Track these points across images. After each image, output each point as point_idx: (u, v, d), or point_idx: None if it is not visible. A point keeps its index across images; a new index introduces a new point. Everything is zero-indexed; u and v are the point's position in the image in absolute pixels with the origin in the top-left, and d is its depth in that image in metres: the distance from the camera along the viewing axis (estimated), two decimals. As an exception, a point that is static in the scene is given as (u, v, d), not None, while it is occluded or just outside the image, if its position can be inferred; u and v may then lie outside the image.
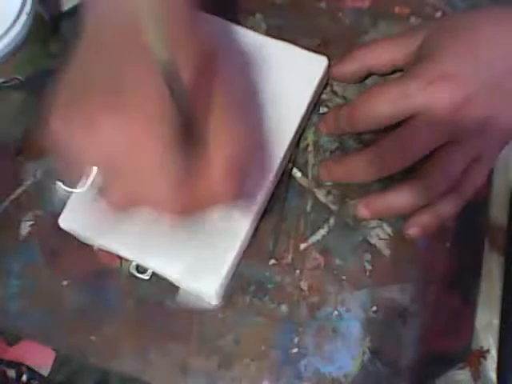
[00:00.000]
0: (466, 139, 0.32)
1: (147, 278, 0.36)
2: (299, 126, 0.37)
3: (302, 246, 0.37)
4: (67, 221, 0.35)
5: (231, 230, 0.34)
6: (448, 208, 0.34)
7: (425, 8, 0.41)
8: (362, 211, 0.35)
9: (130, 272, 0.36)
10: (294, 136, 0.36)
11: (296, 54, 0.37)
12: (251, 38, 0.38)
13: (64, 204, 0.36)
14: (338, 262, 0.37)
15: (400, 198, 0.34)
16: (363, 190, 0.37)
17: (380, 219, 0.37)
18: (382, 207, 0.35)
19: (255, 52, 0.37)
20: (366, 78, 0.38)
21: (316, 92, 0.37)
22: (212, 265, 0.34)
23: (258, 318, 0.36)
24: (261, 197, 0.35)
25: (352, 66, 0.37)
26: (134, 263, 0.36)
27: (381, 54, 0.36)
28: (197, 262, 0.34)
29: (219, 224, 0.34)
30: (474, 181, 0.34)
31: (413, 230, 0.35)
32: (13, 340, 0.37)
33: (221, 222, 0.34)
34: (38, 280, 0.37)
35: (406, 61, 0.35)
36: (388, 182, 0.35)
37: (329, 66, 0.37)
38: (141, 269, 0.36)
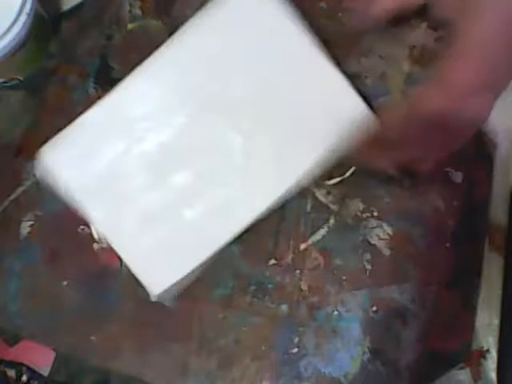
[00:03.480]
0: None
1: (104, 246, 0.35)
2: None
3: (302, 246, 0.37)
4: (47, 155, 0.34)
5: (205, 241, 0.34)
6: None
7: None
8: None
9: (91, 236, 0.36)
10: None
11: (343, 90, 0.34)
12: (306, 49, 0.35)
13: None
14: (338, 262, 0.37)
15: None
16: (363, 189, 0.37)
17: (380, 219, 0.37)
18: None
19: (301, 64, 0.35)
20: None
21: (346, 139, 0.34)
22: (169, 267, 0.33)
23: (258, 318, 0.36)
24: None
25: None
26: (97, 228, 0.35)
27: None
28: (156, 257, 0.33)
29: (195, 232, 0.34)
30: None
31: None
32: (13, 340, 0.37)
33: (197, 230, 0.34)
34: (38, 280, 0.37)
35: None
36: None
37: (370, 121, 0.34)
38: (101, 235, 0.35)
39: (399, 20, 0.36)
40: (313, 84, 0.34)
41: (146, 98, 0.34)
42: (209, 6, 0.35)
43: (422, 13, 0.36)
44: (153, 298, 0.35)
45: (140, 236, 0.34)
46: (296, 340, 0.36)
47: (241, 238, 0.37)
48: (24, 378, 0.37)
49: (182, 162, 0.34)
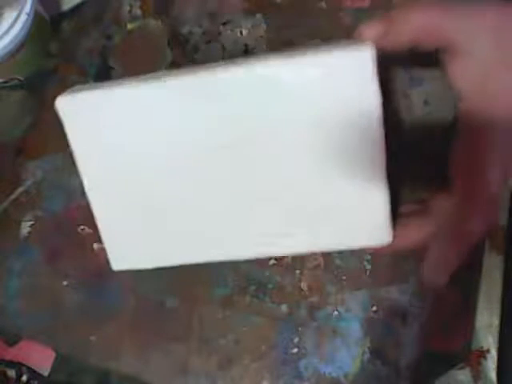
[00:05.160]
0: None
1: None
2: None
3: (302, 245, 0.37)
4: (65, 100, 0.30)
5: (183, 251, 0.31)
6: None
7: (425, 8, 0.41)
8: None
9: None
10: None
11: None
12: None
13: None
14: (337, 262, 0.37)
15: None
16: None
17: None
18: None
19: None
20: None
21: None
22: (139, 253, 0.32)
23: (258, 317, 0.36)
24: None
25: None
26: None
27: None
28: (131, 239, 0.32)
29: (179, 237, 0.31)
30: None
31: None
32: (13, 340, 0.37)
33: (180, 237, 0.31)
34: (38, 280, 0.37)
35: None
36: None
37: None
38: None
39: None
40: (357, 181, 0.30)
41: (193, 105, 0.30)
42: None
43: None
44: (114, 268, 0.33)
45: (125, 214, 0.31)
46: (296, 340, 0.35)
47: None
48: (24, 378, 0.37)
49: (199, 177, 0.30)
